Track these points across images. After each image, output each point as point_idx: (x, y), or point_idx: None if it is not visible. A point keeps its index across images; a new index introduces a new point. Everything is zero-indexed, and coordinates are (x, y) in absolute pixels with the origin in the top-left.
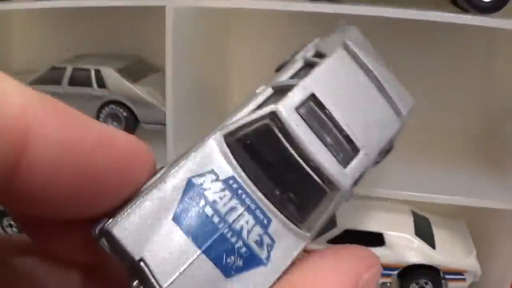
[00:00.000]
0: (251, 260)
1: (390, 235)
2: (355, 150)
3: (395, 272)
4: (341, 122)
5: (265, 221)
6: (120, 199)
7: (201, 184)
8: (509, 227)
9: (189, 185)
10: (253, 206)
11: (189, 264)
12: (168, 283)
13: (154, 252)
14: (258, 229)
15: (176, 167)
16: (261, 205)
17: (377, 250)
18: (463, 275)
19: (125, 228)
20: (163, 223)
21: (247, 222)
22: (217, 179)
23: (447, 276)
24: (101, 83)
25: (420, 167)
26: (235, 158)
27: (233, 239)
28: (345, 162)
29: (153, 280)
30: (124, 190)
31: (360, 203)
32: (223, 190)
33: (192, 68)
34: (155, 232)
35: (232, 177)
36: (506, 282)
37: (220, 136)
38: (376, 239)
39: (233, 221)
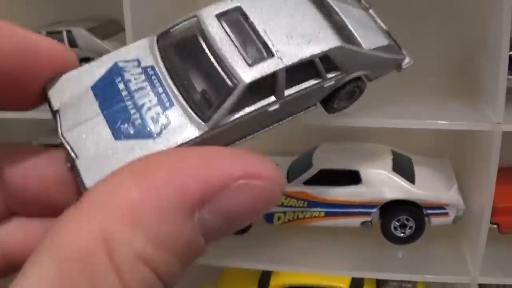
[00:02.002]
0: (142, 132)
1: (366, 172)
2: (270, 54)
3: (374, 210)
4: (260, 30)
5: (167, 104)
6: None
7: (124, 67)
8: (486, 151)
9: (114, 66)
10: (160, 90)
11: (88, 120)
12: (66, 131)
13: (66, 107)
14: (158, 109)
15: (109, 54)
16: (168, 91)
17: (354, 188)
18: (445, 209)
19: (55, 84)
20: (83, 88)
21: (150, 101)
22: (138, 66)
23: (428, 211)
24: (73, 43)
25: (401, 98)
26: (160, 52)
27: (132, 111)
28: (254, 63)
29: (59, 128)
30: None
31: (339, 145)
32: (139, 74)
33: (151, 18)
34: (74, 92)
35: (151, 66)
36: (485, 215)
37: (153, 36)
38: (352, 177)
39: (138, 97)
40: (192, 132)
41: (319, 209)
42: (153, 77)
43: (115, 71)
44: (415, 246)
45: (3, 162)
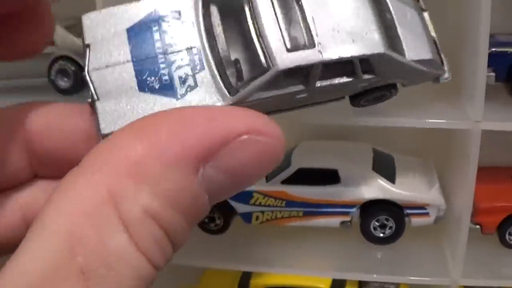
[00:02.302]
0: (167, 89)
1: (345, 171)
2: (311, 44)
3: (354, 210)
4: (308, 16)
5: (198, 67)
6: None
7: (164, 16)
8: (466, 150)
9: (155, 12)
10: (195, 51)
11: (117, 64)
12: (93, 69)
13: (98, 44)
14: (188, 69)
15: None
16: (202, 53)
17: (333, 188)
18: (425, 209)
19: (92, 16)
20: (119, 28)
21: (182, 59)
22: (178, 19)
23: (409, 211)
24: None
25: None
26: (203, 9)
27: (162, 66)
28: (293, 48)
29: (86, 64)
30: None
31: (319, 143)
32: (177, 28)
33: None
34: (109, 30)
35: (191, 23)
36: (465, 216)
37: None
38: (331, 176)
39: (171, 52)
40: (215, 101)
41: (297, 209)
42: (190, 35)
43: (155, 18)
44: (396, 246)
45: (26, 118)
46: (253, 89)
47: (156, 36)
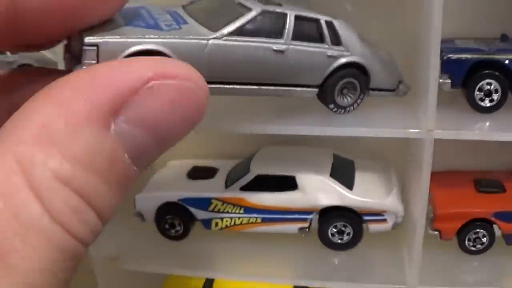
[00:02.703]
0: (152, 25)
1: (302, 178)
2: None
3: (311, 216)
4: None
5: (181, 22)
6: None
7: (150, 9)
8: (420, 158)
9: (142, 7)
10: (180, 21)
11: (112, 28)
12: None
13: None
14: (172, 22)
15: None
16: (186, 20)
17: (290, 194)
18: (383, 215)
19: None
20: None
21: (166, 19)
22: (163, 9)
23: (366, 218)
24: None
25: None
26: (184, 9)
27: (149, 20)
28: (269, 2)
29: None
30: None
31: (280, 149)
32: (163, 12)
33: None
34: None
35: (175, 11)
36: (419, 223)
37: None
38: (289, 183)
39: (157, 17)
40: (199, 35)
41: (255, 215)
42: (175, 15)
43: (143, 8)
44: (355, 252)
45: None
46: (235, 27)
47: (144, 13)
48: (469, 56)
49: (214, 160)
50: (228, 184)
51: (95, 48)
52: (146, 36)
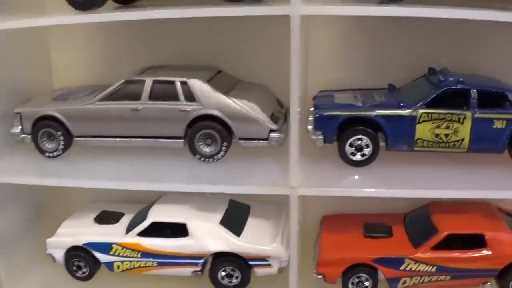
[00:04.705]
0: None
1: (193, 225)
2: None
3: (201, 261)
4: None
5: (82, 95)
6: None
7: None
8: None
9: None
10: None
11: None
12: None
13: None
14: (78, 95)
15: None
16: None
17: (181, 241)
18: (267, 260)
19: None
20: None
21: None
22: None
23: (252, 263)
24: None
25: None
26: None
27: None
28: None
29: None
30: None
31: (179, 196)
32: None
33: None
34: None
35: None
36: (292, 269)
37: None
38: (181, 230)
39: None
40: (83, 102)
41: (152, 259)
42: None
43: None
44: None
45: None
46: (101, 96)
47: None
48: (340, 112)
49: (124, 204)
50: (128, 229)
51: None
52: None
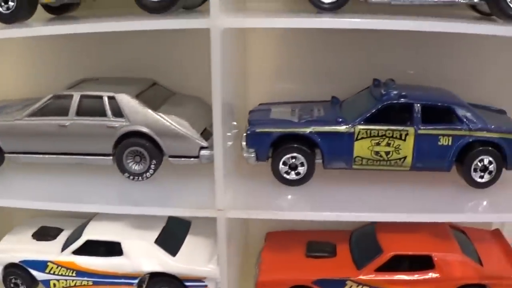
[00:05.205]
0: None
1: (127, 244)
2: None
3: (136, 281)
4: None
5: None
6: None
7: None
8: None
9: None
10: None
11: None
12: None
13: None
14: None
15: None
16: None
17: (116, 260)
18: (203, 281)
19: None
20: None
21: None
22: None
23: (187, 284)
24: None
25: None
26: None
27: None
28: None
29: None
30: None
31: (113, 216)
32: None
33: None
34: None
35: None
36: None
37: None
38: (115, 249)
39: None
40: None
41: (87, 278)
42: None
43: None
44: None
45: None
46: (29, 112)
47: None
48: (273, 129)
49: (64, 219)
50: (64, 247)
51: None
52: None
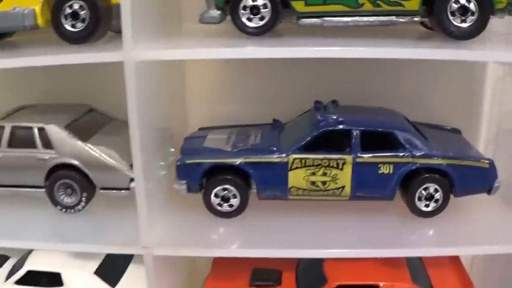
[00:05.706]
0: None
1: (67, 275)
2: None
3: None
4: None
5: None
6: None
7: None
8: None
9: None
10: None
11: None
12: None
13: None
14: None
15: None
16: None
17: None
18: None
19: None
20: None
21: None
22: None
23: None
24: None
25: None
26: None
27: None
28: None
29: None
30: None
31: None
32: None
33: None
34: None
35: None
36: None
37: None
38: (55, 279)
39: None
40: None
41: None
42: None
43: None
44: None
45: None
46: None
47: None
48: (203, 160)
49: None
50: (8, 276)
51: None
52: None
